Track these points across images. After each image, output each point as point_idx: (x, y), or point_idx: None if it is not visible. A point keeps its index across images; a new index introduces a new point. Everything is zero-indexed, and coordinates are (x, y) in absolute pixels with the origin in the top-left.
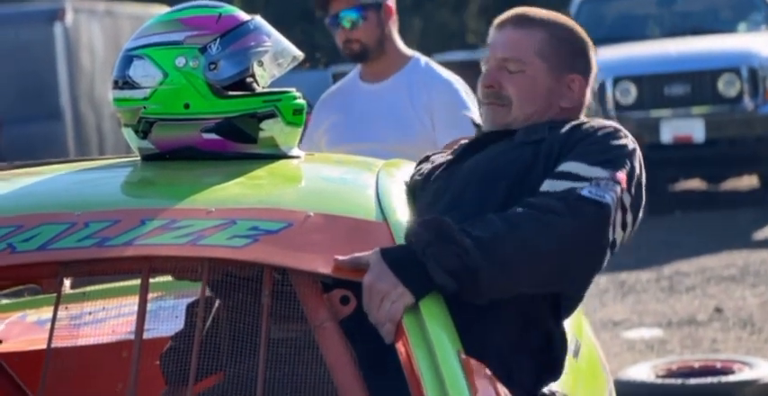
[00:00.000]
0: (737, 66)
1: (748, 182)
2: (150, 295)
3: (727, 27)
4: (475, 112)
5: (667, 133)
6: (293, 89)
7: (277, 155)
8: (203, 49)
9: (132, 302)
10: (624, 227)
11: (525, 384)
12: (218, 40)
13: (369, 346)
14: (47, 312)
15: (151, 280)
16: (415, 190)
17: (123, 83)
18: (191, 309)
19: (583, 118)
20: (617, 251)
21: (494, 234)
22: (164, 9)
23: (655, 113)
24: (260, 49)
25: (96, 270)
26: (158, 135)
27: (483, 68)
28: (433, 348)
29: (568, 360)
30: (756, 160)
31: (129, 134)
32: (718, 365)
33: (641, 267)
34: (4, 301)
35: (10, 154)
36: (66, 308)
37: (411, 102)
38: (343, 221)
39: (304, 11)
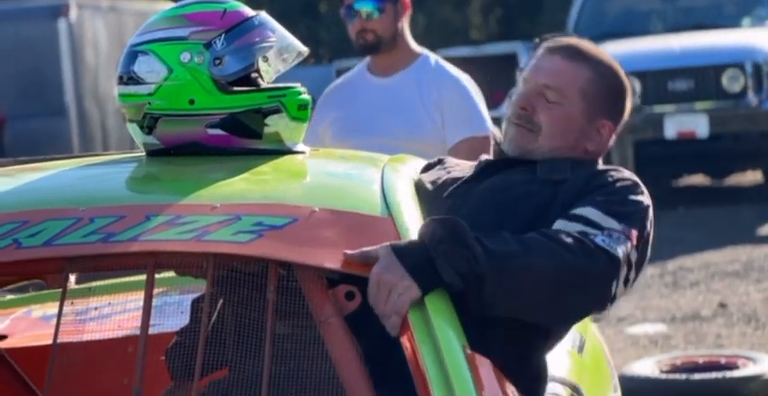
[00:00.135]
0: (741, 61)
1: (752, 177)
2: (155, 291)
3: (731, 22)
4: (484, 111)
5: (671, 129)
6: (298, 84)
7: (282, 150)
8: (208, 45)
9: (137, 298)
10: (626, 283)
11: None
12: (222, 35)
13: (374, 342)
14: (52, 308)
15: (156, 275)
16: (426, 194)
17: (128, 78)
18: (196, 304)
19: (601, 164)
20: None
21: (506, 251)
22: (168, 5)
23: (658, 109)
24: (265, 44)
25: (101, 265)
26: (163, 130)
27: (520, 85)
28: (439, 343)
29: (573, 355)
30: (760, 155)
31: (133, 130)
32: (723, 361)
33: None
34: (9, 297)
35: (14, 150)
36: (72, 303)
37: (420, 98)
38: (348, 217)
39: (308, 7)
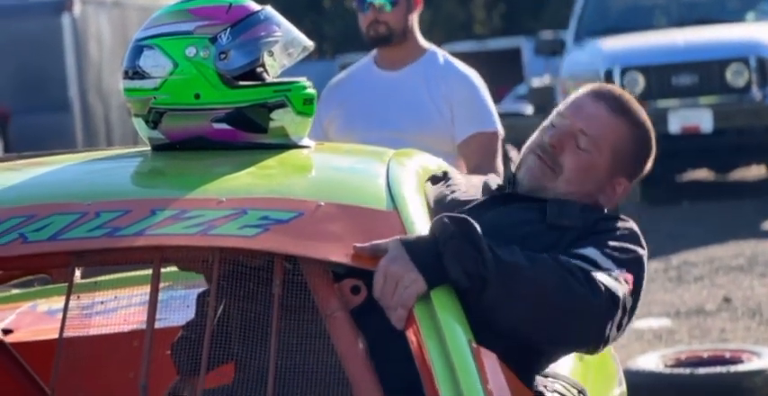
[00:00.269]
0: (746, 55)
1: (756, 172)
2: (161, 285)
3: (735, 17)
4: (493, 107)
5: (675, 123)
6: (303, 79)
7: (287, 145)
8: (214, 39)
9: (143, 292)
10: (619, 327)
11: None
12: (228, 30)
13: (379, 336)
14: (57, 302)
15: (162, 270)
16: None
17: (133, 73)
18: (201, 298)
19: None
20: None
21: (515, 261)
22: (172, 0)
23: (662, 104)
24: (270, 39)
25: (107, 260)
26: (168, 125)
27: (555, 117)
28: (445, 337)
29: None
30: (764, 150)
31: (139, 124)
32: (727, 355)
33: (649, 257)
34: (15, 292)
35: (18, 145)
36: (78, 297)
37: (429, 92)
38: (353, 211)
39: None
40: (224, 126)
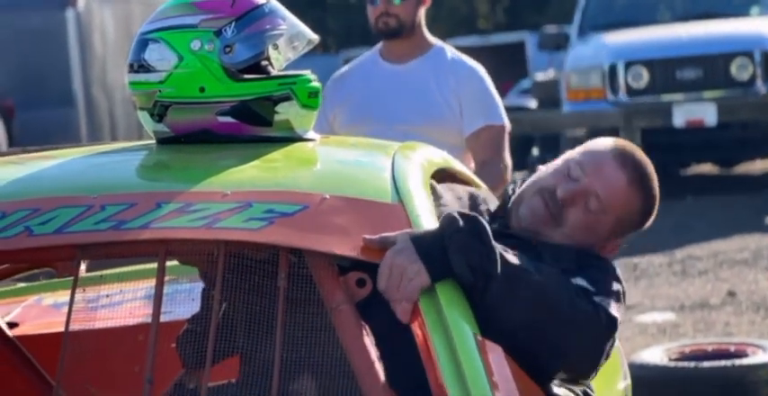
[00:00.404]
0: (750, 49)
1: (761, 166)
2: (166, 278)
3: (740, 11)
4: (500, 101)
5: (679, 117)
6: (308, 72)
7: (292, 138)
8: (218, 33)
9: (148, 286)
10: (606, 357)
11: None
12: (233, 23)
13: (384, 329)
14: (62, 296)
15: (168, 263)
16: None
17: (138, 66)
18: (206, 292)
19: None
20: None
21: (520, 265)
22: None
23: (666, 97)
24: (275, 32)
25: (113, 253)
26: (174, 118)
27: (572, 165)
28: (450, 331)
29: None
30: None
31: (144, 117)
32: (732, 349)
33: (654, 251)
34: (20, 285)
35: (22, 139)
36: (83, 291)
37: (438, 85)
38: (358, 204)
39: None
40: (229, 119)
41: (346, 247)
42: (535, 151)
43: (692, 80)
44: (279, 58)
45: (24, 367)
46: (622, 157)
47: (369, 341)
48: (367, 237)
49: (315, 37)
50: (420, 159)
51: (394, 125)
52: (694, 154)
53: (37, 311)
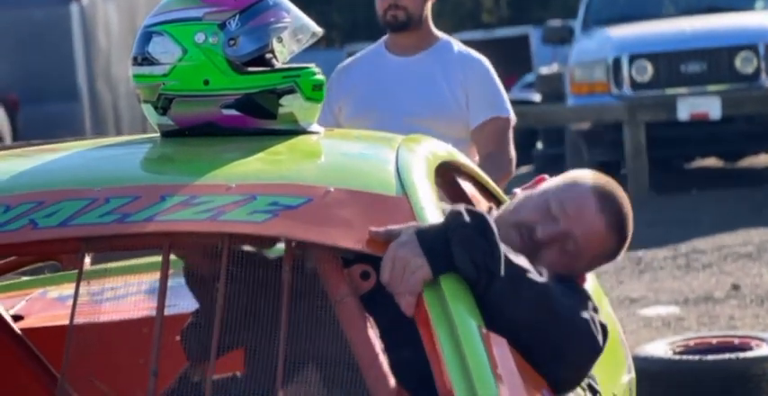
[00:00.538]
0: (755, 43)
1: (765, 159)
2: (171, 271)
3: (744, 5)
4: (505, 94)
5: (684, 111)
6: (313, 65)
7: (297, 131)
8: (223, 26)
9: (152, 279)
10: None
11: None
12: (237, 16)
13: (389, 322)
14: (67, 289)
15: (172, 256)
16: None
17: (142, 59)
18: (198, 286)
19: None
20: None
21: (524, 266)
22: None
23: (671, 91)
24: (279, 25)
25: (117, 246)
26: (178, 111)
27: (552, 208)
28: (454, 324)
29: None
30: None
31: (148, 110)
32: (736, 342)
33: (658, 245)
34: (25, 279)
35: (27, 134)
36: (88, 284)
37: (445, 78)
38: (363, 196)
39: None
40: (233, 112)
41: (350, 240)
42: (539, 145)
43: (697, 74)
44: (283, 51)
45: (29, 360)
46: (604, 199)
47: (373, 334)
48: (372, 229)
49: (319, 30)
50: (424, 152)
51: (400, 117)
52: (699, 148)
53: (42, 304)
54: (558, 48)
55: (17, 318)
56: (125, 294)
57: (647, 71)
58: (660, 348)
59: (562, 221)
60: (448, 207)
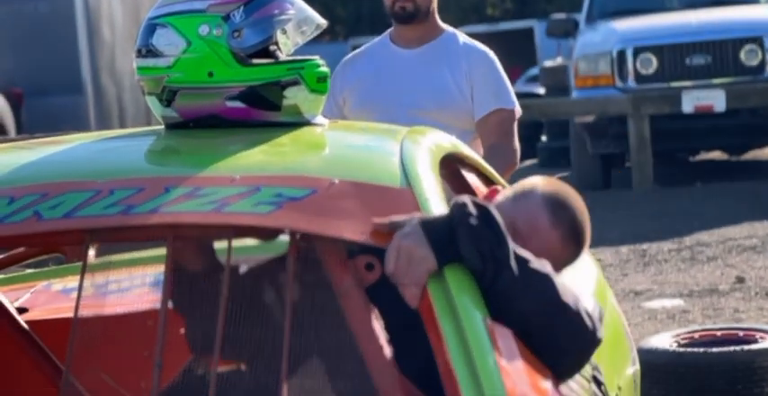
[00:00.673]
0: (760, 36)
1: None
2: None
3: None
4: (510, 85)
5: (688, 103)
6: (317, 57)
7: (301, 122)
8: (227, 18)
9: (157, 271)
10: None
11: None
12: (241, 8)
13: (393, 313)
14: (71, 281)
15: None
16: None
17: (147, 51)
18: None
19: None
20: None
21: (529, 257)
22: None
23: (675, 84)
24: (283, 17)
25: (122, 237)
26: (182, 103)
27: (517, 221)
28: (459, 315)
29: None
30: None
31: (152, 102)
32: (741, 334)
33: (662, 238)
34: (29, 271)
35: (31, 127)
36: (93, 276)
37: (450, 70)
38: (367, 188)
39: None
40: (237, 104)
41: (355, 232)
42: (543, 138)
43: (702, 66)
44: (287, 43)
45: (34, 352)
46: (555, 212)
47: (378, 325)
48: (376, 220)
49: (323, 21)
50: (429, 144)
51: (405, 109)
52: (703, 140)
53: (46, 297)
54: (563, 41)
55: (21, 310)
56: (129, 287)
57: (651, 64)
58: (665, 341)
59: (518, 241)
60: (452, 199)
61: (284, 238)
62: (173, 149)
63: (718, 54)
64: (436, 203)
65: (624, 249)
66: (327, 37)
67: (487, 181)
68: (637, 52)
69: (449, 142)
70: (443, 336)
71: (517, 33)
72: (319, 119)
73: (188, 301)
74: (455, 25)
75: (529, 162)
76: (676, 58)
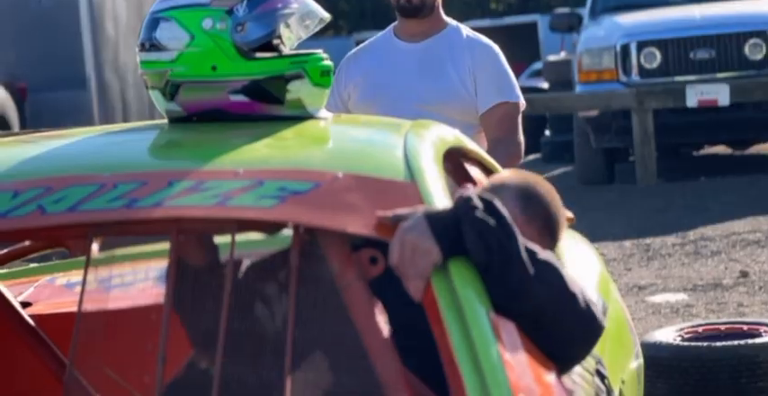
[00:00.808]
0: (764, 29)
1: None
2: None
3: None
4: (514, 79)
5: (692, 98)
6: (320, 51)
7: (304, 116)
8: (230, 11)
9: (160, 266)
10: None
11: None
12: (244, 1)
13: (397, 307)
14: (75, 276)
15: None
16: None
17: (150, 45)
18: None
19: None
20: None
21: (535, 248)
22: None
23: (679, 78)
24: (287, 10)
25: (125, 231)
26: (185, 97)
27: None
28: (463, 309)
29: None
30: None
31: (156, 96)
32: (745, 328)
33: (666, 232)
34: (33, 265)
35: (35, 122)
36: (96, 270)
37: (453, 63)
38: (371, 182)
39: None
40: (241, 98)
41: (358, 225)
42: (547, 133)
43: (705, 61)
44: (291, 37)
45: (37, 346)
46: (528, 207)
47: (381, 319)
48: (380, 213)
49: (326, 15)
50: (432, 137)
51: (409, 104)
52: (707, 135)
53: (50, 291)
54: (567, 35)
55: (25, 304)
56: (133, 281)
57: (655, 58)
58: (669, 335)
59: None
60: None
61: (288, 231)
62: (176, 143)
63: (722, 48)
64: (440, 197)
65: (628, 244)
66: (331, 32)
67: (491, 175)
68: (640, 46)
69: (452, 136)
70: (447, 329)
71: (520, 28)
72: (323, 113)
73: (191, 295)
74: (459, 20)
75: (532, 157)
76: (680, 52)
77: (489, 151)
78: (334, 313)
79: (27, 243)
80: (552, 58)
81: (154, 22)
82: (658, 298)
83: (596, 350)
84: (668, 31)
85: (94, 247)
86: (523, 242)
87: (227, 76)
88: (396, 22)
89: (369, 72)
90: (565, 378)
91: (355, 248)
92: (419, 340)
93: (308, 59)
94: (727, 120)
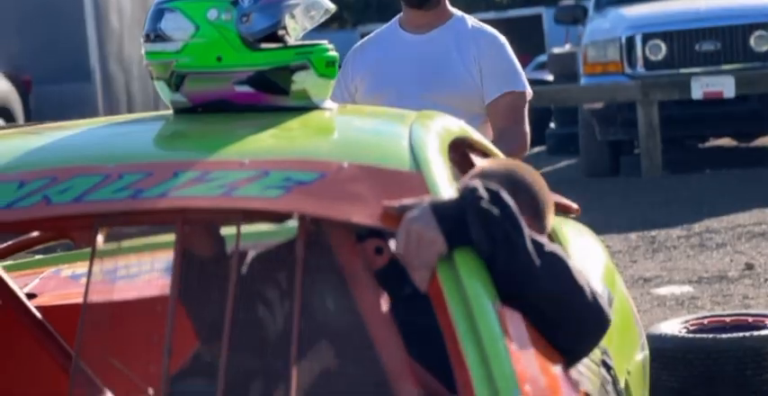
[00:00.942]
0: None
1: None
2: None
3: None
4: (520, 68)
5: (698, 90)
6: (325, 41)
7: (309, 107)
8: (235, 2)
9: (166, 257)
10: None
11: None
12: None
13: (402, 297)
14: (80, 267)
15: None
16: None
17: (155, 36)
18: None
19: None
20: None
21: (542, 240)
22: None
23: (685, 70)
24: (292, 1)
25: (131, 222)
26: (191, 88)
27: None
28: (468, 299)
29: None
30: None
31: (161, 87)
32: (750, 320)
33: (671, 224)
34: (38, 257)
35: (40, 114)
36: (102, 262)
37: (459, 54)
38: (376, 172)
39: None
40: (246, 89)
41: (364, 215)
42: (552, 125)
43: (711, 52)
44: (296, 28)
45: (43, 338)
46: (515, 194)
47: (387, 309)
48: (386, 203)
49: (332, 6)
50: (438, 128)
51: (416, 94)
52: (712, 127)
53: (55, 282)
54: (571, 28)
55: (30, 296)
56: (138, 272)
57: (660, 50)
58: (674, 327)
59: None
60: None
61: (293, 222)
62: (181, 134)
63: (728, 40)
64: (445, 187)
65: (633, 236)
66: (335, 24)
67: None
68: (646, 39)
69: (458, 127)
70: (453, 319)
71: (526, 20)
72: (328, 103)
73: (197, 286)
74: (464, 11)
75: (537, 149)
76: (685, 44)
77: (494, 142)
78: (340, 303)
79: (32, 235)
80: (557, 50)
81: (159, 13)
82: (664, 290)
83: (602, 341)
84: (673, 22)
85: (100, 238)
86: (530, 234)
87: (232, 66)
88: (401, 14)
89: (375, 64)
90: (571, 369)
91: (361, 239)
92: (425, 330)
93: (313, 50)
94: (732, 112)
